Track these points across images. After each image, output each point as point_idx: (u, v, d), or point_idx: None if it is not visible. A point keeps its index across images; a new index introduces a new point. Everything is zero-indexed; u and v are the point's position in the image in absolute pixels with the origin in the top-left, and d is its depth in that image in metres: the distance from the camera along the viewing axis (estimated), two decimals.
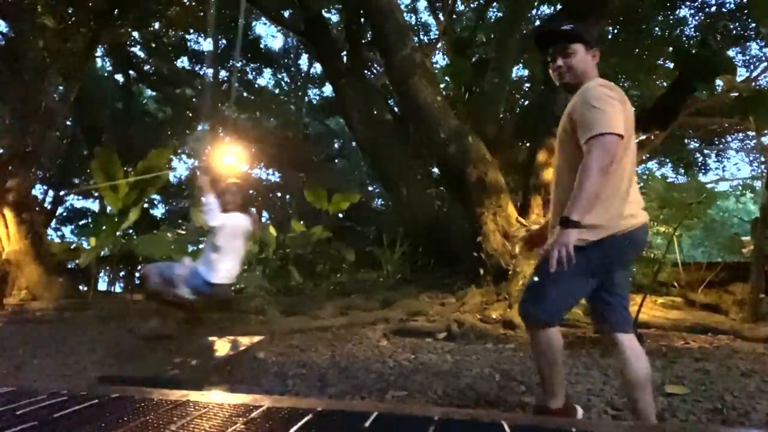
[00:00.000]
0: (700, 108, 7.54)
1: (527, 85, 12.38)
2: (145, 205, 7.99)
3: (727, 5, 9.87)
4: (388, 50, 6.82)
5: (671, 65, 9.38)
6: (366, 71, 11.24)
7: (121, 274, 11.78)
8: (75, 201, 17.75)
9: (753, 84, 9.46)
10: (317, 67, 17.69)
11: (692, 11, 10.32)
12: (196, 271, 3.42)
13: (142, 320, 5.35)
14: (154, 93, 17.19)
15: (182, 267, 3.41)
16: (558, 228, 1.75)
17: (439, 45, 12.67)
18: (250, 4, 10.76)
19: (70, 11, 9.23)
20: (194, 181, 3.25)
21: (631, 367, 1.81)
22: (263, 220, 18.30)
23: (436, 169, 9.35)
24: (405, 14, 10.17)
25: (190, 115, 16.01)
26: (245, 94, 17.15)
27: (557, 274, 1.73)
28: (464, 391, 2.70)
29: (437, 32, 12.62)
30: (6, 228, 8.02)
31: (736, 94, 5.30)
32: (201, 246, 3.34)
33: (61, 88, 9.39)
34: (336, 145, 19.87)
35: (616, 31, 9.43)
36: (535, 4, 10.41)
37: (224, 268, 3.48)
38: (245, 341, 3.26)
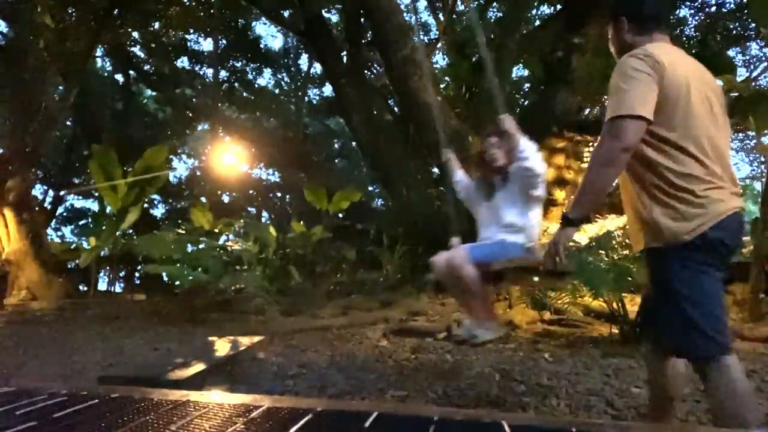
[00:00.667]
0: None
1: (527, 85, 12.38)
2: (145, 205, 7.98)
3: (727, 5, 9.89)
4: (388, 50, 6.82)
5: None
6: (366, 71, 11.24)
7: (121, 274, 11.78)
8: (75, 201, 17.78)
9: (753, 84, 9.47)
10: (317, 67, 17.70)
11: (692, 11, 10.33)
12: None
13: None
14: (154, 93, 17.19)
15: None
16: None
17: (439, 45, 12.68)
18: (250, 4, 10.77)
19: (70, 11, 9.24)
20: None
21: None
22: (263, 220, 18.33)
23: (436, 169, 9.35)
24: (405, 14, 10.17)
25: (190, 115, 16.02)
26: (245, 94, 17.15)
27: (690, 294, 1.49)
28: (464, 391, 2.70)
29: (437, 32, 12.62)
30: (6, 228, 8.03)
31: (736, 94, 5.29)
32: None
33: (61, 88, 9.39)
34: (336, 145, 19.87)
35: None
36: (535, 4, 10.41)
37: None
38: (245, 341, 3.26)
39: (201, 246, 6.89)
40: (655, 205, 1.55)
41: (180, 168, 18.86)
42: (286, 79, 19.39)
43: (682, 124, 1.52)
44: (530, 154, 2.44)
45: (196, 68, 16.66)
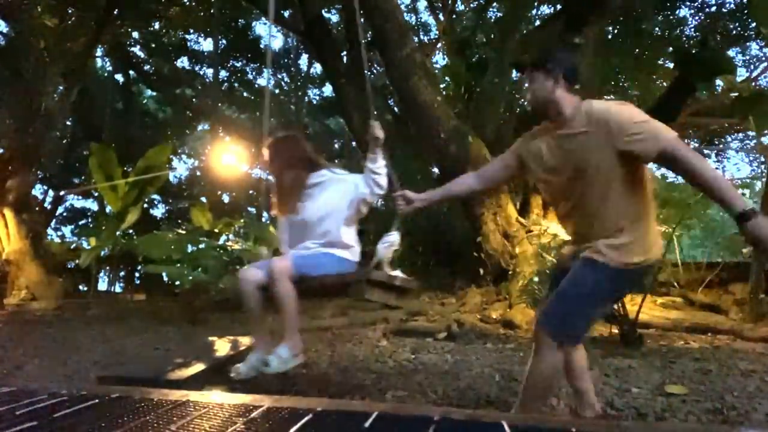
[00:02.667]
0: (700, 108, 7.54)
1: (527, 85, 12.37)
2: (145, 205, 7.99)
3: (727, 5, 9.88)
4: (388, 50, 6.81)
5: (671, 65, 9.38)
6: (366, 71, 11.23)
7: (121, 274, 11.78)
8: (75, 201, 17.76)
9: (753, 84, 9.46)
10: (317, 67, 17.70)
11: (692, 11, 10.32)
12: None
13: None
14: (154, 93, 17.19)
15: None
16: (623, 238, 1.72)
17: (439, 45, 12.68)
18: (250, 4, 10.77)
19: (70, 11, 9.23)
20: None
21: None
22: (263, 219, 18.30)
23: (436, 169, 9.34)
24: (405, 14, 10.16)
25: (190, 115, 16.02)
26: (245, 94, 17.14)
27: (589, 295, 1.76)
28: (464, 391, 2.70)
29: (437, 32, 12.62)
30: (6, 228, 8.03)
31: (736, 94, 5.29)
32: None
33: (61, 88, 9.39)
34: (336, 145, 19.86)
35: (616, 31, 9.42)
36: (535, 4, 10.41)
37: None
38: (245, 341, 3.26)
39: (201, 246, 6.88)
40: (632, 229, 1.74)
41: (180, 168, 18.86)
42: (286, 79, 19.39)
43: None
44: (384, 170, 2.39)
45: (196, 68, 16.66)
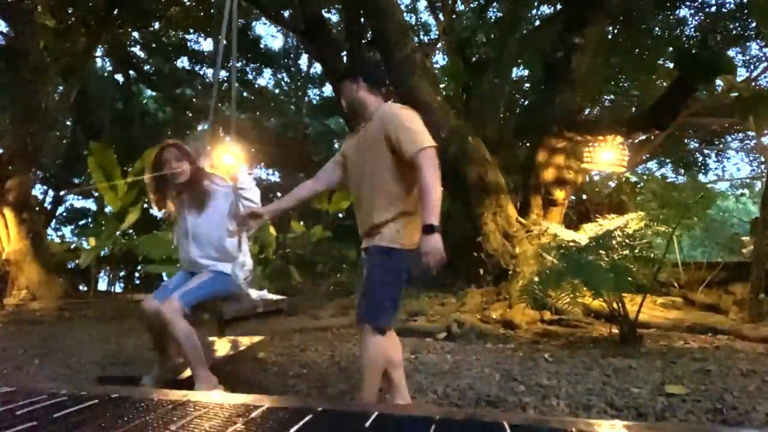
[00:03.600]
0: (700, 108, 7.54)
1: (527, 85, 12.37)
2: (145, 205, 7.97)
3: (727, 5, 9.87)
4: (388, 50, 6.81)
5: (671, 65, 9.38)
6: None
7: (121, 274, 11.78)
8: (75, 201, 17.75)
9: (753, 84, 9.46)
10: (317, 67, 17.69)
11: (692, 11, 10.31)
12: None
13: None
14: (154, 93, 17.18)
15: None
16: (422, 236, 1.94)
17: (439, 45, 12.67)
18: (250, 3, 10.75)
19: (70, 11, 9.23)
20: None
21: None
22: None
23: None
24: (405, 14, 10.16)
25: (190, 115, 16.00)
26: (245, 94, 17.13)
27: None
28: (464, 391, 2.70)
29: (437, 32, 12.61)
30: (6, 228, 8.02)
31: (736, 94, 5.29)
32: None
33: (61, 88, 9.39)
34: (336, 145, 19.85)
35: (616, 31, 9.42)
36: (535, 4, 10.41)
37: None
38: (245, 341, 3.26)
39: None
40: (388, 214, 2.03)
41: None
42: (286, 79, 19.38)
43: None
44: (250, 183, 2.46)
45: (196, 68, 16.65)
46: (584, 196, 8.61)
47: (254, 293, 2.84)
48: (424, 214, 1.93)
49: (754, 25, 9.05)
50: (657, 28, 10.08)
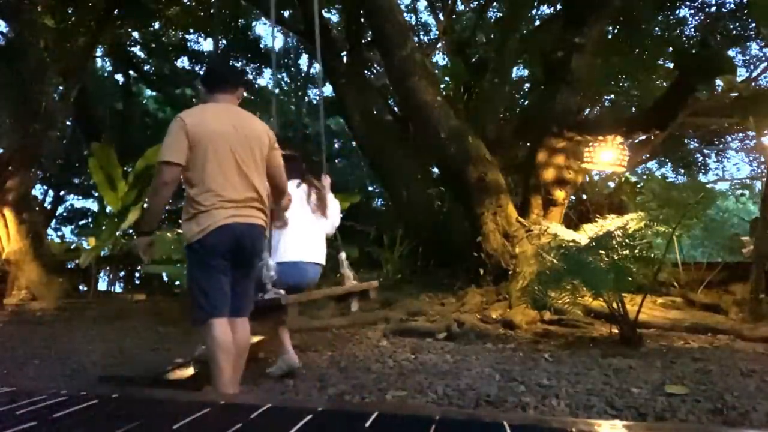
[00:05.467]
0: (699, 108, 7.54)
1: (527, 85, 12.37)
2: (145, 205, 7.96)
3: (727, 5, 9.85)
4: (388, 50, 6.81)
5: (671, 65, 9.38)
6: (366, 71, 11.24)
7: (121, 274, 11.76)
8: (75, 201, 17.73)
9: (753, 84, 9.46)
10: (317, 67, 17.67)
11: (692, 11, 10.30)
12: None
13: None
14: (154, 93, 17.17)
15: None
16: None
17: (439, 45, 12.67)
18: (250, 3, 10.76)
19: (70, 11, 9.23)
20: None
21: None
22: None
23: (436, 169, 9.34)
24: (405, 14, 10.14)
25: None
26: (245, 94, 17.13)
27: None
28: (464, 391, 2.70)
29: (437, 32, 12.61)
30: (6, 228, 8.02)
31: (736, 94, 5.30)
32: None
33: (61, 88, 9.38)
34: (336, 145, 19.85)
35: (616, 31, 9.42)
36: (535, 4, 10.40)
37: None
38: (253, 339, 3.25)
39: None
40: (185, 216, 2.35)
41: None
42: (286, 79, 19.37)
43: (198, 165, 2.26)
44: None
45: (196, 68, 16.64)
46: (584, 196, 8.62)
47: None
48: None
49: (754, 25, 9.04)
50: (657, 28, 10.07)
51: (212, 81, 2.50)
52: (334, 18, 13.40)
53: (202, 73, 2.50)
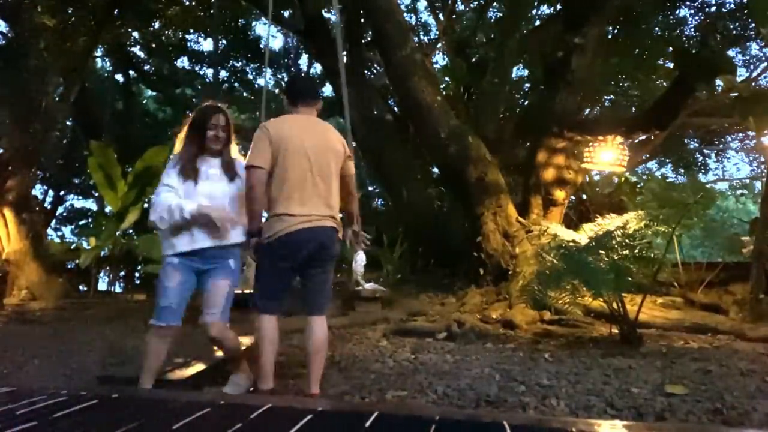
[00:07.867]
0: (699, 108, 7.54)
1: (527, 85, 12.37)
2: (145, 205, 7.95)
3: (727, 5, 9.86)
4: (388, 50, 6.81)
5: (671, 65, 9.37)
6: (366, 71, 11.24)
7: (121, 274, 11.76)
8: (75, 201, 17.73)
9: (753, 84, 9.45)
10: (317, 67, 17.67)
11: (692, 11, 10.31)
12: None
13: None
14: (154, 93, 17.17)
15: None
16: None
17: (439, 45, 12.67)
18: (250, 3, 10.76)
19: (70, 11, 9.23)
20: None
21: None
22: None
23: (436, 169, 9.34)
24: (405, 14, 10.15)
25: (190, 115, 16.00)
26: (245, 94, 17.13)
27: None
28: (464, 391, 2.70)
29: (437, 32, 12.62)
30: (6, 228, 8.02)
31: (736, 94, 5.29)
32: None
33: (61, 87, 9.38)
34: None
35: (616, 31, 9.42)
36: (535, 4, 10.40)
37: None
38: (245, 341, 3.25)
39: None
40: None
41: None
42: (286, 79, 19.37)
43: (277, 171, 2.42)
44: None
45: (196, 68, 16.65)
46: (584, 196, 8.62)
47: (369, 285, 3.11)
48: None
49: (754, 25, 9.04)
50: (657, 28, 10.07)
51: (295, 93, 2.63)
52: (334, 18, 13.39)
53: (284, 84, 2.70)
